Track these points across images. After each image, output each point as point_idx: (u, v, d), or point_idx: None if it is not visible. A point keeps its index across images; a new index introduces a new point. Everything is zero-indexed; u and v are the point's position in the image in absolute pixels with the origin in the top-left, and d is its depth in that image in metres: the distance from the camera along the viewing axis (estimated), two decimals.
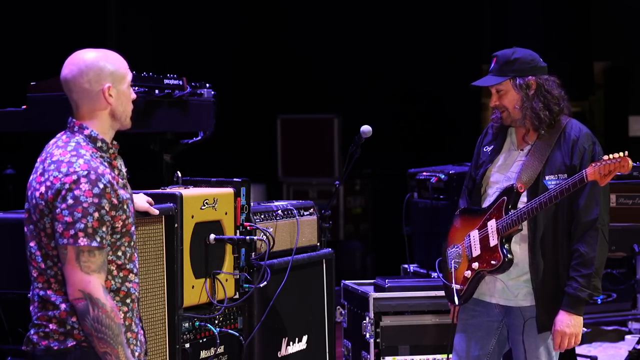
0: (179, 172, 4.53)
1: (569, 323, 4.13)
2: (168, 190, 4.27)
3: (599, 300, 7.95)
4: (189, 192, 4.23)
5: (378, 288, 5.67)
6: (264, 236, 4.50)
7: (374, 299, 5.51)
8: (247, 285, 4.51)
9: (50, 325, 3.24)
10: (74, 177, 3.14)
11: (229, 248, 4.42)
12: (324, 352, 5.18)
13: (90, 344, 3.21)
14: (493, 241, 4.20)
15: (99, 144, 3.29)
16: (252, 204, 4.63)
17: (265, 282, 4.46)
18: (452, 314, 4.50)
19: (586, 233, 4.13)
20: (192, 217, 4.19)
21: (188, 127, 4.85)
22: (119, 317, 3.19)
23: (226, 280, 4.38)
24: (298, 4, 10.57)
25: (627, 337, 7.86)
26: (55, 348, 3.24)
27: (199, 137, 4.96)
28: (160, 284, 4.11)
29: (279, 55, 10.53)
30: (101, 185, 3.15)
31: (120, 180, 3.31)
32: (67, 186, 3.13)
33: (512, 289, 4.26)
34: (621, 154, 3.93)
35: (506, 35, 10.42)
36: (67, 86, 3.31)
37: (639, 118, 11.05)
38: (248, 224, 4.52)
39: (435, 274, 6.14)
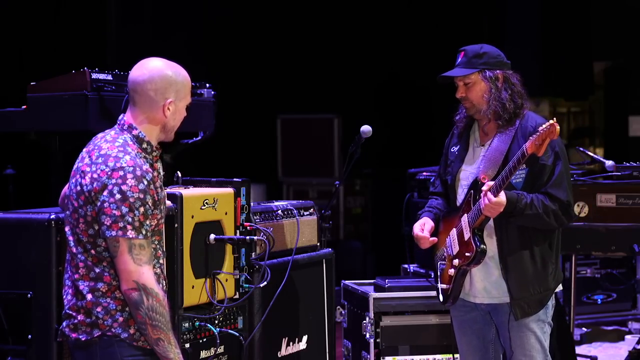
0: (179, 172, 4.53)
1: (494, 201, 4.10)
2: (168, 190, 4.25)
3: (599, 300, 7.95)
4: (189, 192, 4.22)
5: (378, 288, 5.67)
6: (264, 236, 4.50)
7: (374, 299, 5.51)
8: (247, 285, 4.51)
9: (79, 317, 3.40)
10: (121, 172, 3.30)
11: (229, 248, 4.41)
12: (324, 352, 5.18)
13: (115, 333, 3.35)
14: (467, 234, 4.28)
15: (144, 145, 3.45)
16: (252, 204, 4.63)
17: (265, 282, 4.45)
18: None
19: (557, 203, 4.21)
20: (192, 217, 4.19)
21: (188, 127, 4.80)
22: (168, 305, 3.37)
23: (226, 280, 4.37)
24: (298, 4, 10.55)
25: (627, 337, 7.86)
26: (83, 339, 3.39)
27: (199, 137, 4.96)
28: None
29: (279, 55, 10.51)
30: (145, 182, 3.33)
31: (158, 181, 3.47)
32: (114, 181, 3.29)
33: (494, 285, 4.33)
34: (551, 121, 4.00)
35: (505, 35, 10.42)
36: (132, 85, 3.46)
37: (639, 118, 11.04)
38: (248, 224, 4.52)
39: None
